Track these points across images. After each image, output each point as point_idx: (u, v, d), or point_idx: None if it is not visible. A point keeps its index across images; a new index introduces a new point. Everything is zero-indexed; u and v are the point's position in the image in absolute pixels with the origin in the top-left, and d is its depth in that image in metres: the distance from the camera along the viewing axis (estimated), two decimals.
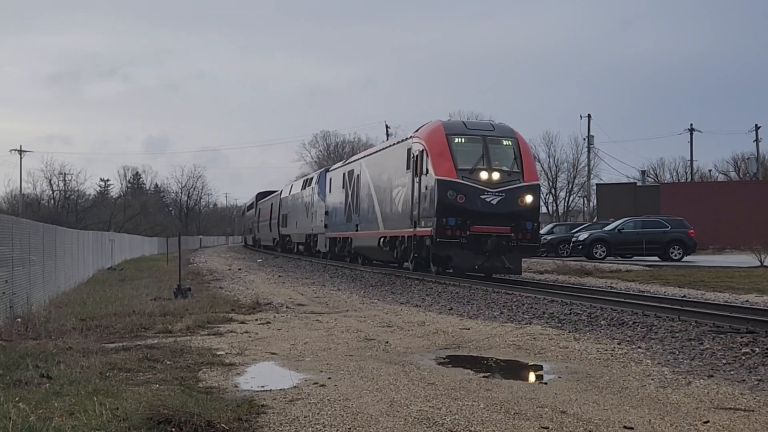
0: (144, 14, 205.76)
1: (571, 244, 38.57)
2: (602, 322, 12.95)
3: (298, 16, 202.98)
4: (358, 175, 32.67)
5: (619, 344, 10.81)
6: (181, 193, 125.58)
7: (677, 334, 11.21)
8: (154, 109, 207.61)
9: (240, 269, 34.79)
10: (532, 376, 8.74)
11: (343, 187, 35.23)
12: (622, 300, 15.61)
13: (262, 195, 68.18)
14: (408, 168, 25.16)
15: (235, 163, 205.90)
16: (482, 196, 22.05)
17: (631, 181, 69.84)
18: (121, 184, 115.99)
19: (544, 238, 39.51)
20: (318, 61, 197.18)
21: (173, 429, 5.88)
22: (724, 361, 9.33)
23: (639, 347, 10.52)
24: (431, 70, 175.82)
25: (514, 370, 9.29)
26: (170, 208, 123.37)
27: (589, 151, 73.92)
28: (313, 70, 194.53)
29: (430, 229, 22.40)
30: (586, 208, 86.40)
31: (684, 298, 16.36)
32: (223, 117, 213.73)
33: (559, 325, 13.06)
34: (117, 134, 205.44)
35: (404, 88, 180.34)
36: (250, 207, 79.22)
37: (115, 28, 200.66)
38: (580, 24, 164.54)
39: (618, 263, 32.34)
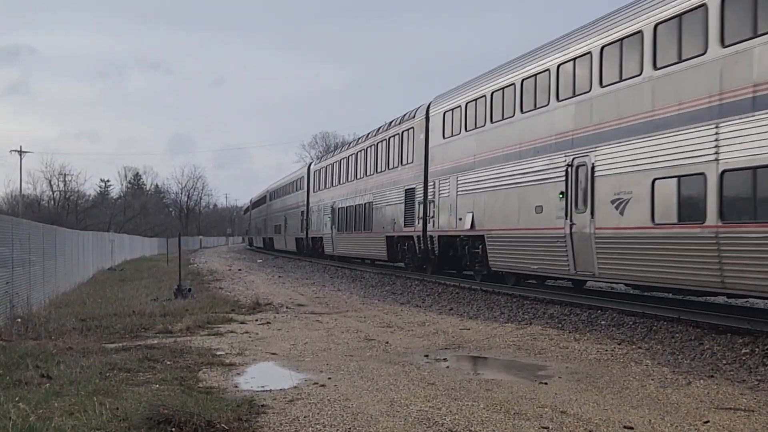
0: (181, 12, 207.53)
1: None
2: (602, 323, 12.94)
3: (326, 13, 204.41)
4: None
5: (619, 344, 10.81)
6: (181, 193, 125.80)
7: (677, 335, 11.20)
8: (183, 107, 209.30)
9: (240, 269, 34.80)
10: (532, 376, 8.73)
11: None
12: (622, 300, 15.59)
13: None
14: None
15: (258, 162, 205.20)
16: None
17: None
18: (121, 185, 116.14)
19: None
20: (338, 60, 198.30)
21: (173, 429, 5.87)
22: (724, 362, 9.33)
23: (639, 347, 10.52)
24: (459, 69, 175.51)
25: (514, 370, 9.28)
26: (170, 209, 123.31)
27: None
28: (327, 70, 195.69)
29: None
30: None
31: (684, 298, 16.33)
32: (250, 115, 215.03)
33: (559, 325, 13.05)
34: (146, 131, 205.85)
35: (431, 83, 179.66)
36: (276, 194, 58.28)
37: (158, 26, 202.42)
38: None
39: None
